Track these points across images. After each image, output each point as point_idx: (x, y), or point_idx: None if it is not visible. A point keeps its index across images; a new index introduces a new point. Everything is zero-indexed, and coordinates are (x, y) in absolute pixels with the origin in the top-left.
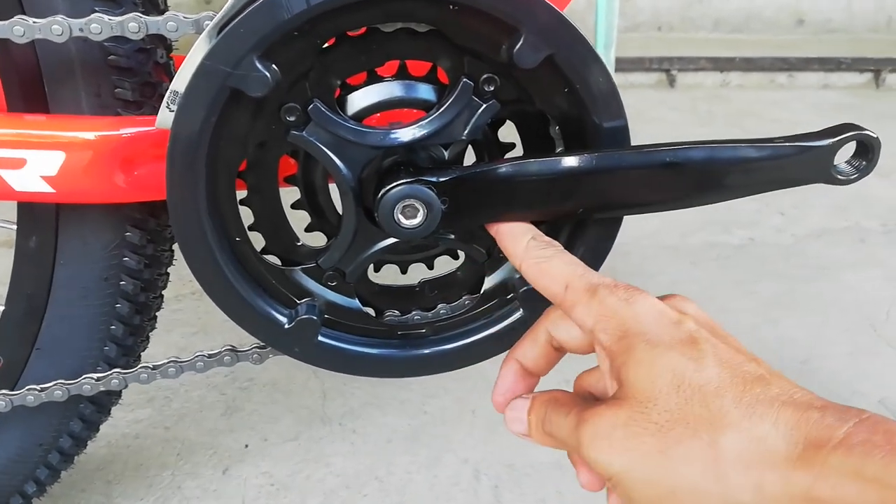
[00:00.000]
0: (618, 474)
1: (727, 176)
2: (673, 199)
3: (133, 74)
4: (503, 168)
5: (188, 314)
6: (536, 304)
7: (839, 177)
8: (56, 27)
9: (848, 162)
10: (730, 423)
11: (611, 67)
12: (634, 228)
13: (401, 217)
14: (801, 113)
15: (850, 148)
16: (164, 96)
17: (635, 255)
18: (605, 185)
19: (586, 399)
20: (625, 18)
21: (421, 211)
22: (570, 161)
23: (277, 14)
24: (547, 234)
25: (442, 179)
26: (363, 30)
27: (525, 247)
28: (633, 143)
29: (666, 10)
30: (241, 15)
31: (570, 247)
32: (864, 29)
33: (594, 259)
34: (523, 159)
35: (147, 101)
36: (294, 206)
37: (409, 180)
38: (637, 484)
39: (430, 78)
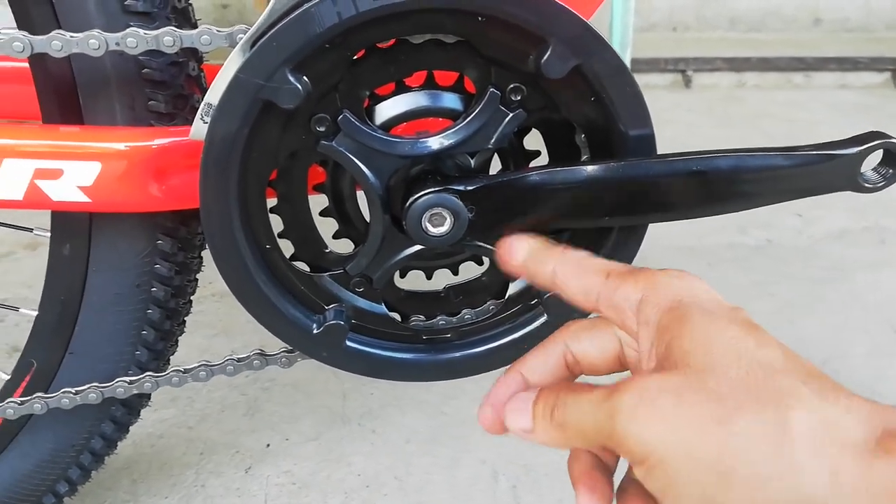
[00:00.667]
0: (661, 450)
1: (754, 184)
2: (698, 208)
3: (166, 87)
4: (529, 176)
5: (209, 316)
6: (561, 309)
7: (866, 185)
8: (93, 41)
9: (875, 170)
10: (799, 401)
11: None
12: (651, 229)
13: (428, 225)
14: (819, 113)
15: (877, 156)
16: (195, 107)
17: (652, 257)
18: (631, 193)
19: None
20: (640, 18)
21: (448, 219)
22: (596, 170)
23: (310, 28)
24: (569, 241)
25: (469, 188)
26: (392, 41)
27: (555, 257)
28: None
29: (681, 9)
30: (274, 29)
31: (593, 253)
32: (882, 27)
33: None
34: (549, 168)
35: (179, 113)
36: (322, 213)
37: (436, 189)
38: (684, 463)
39: (457, 88)
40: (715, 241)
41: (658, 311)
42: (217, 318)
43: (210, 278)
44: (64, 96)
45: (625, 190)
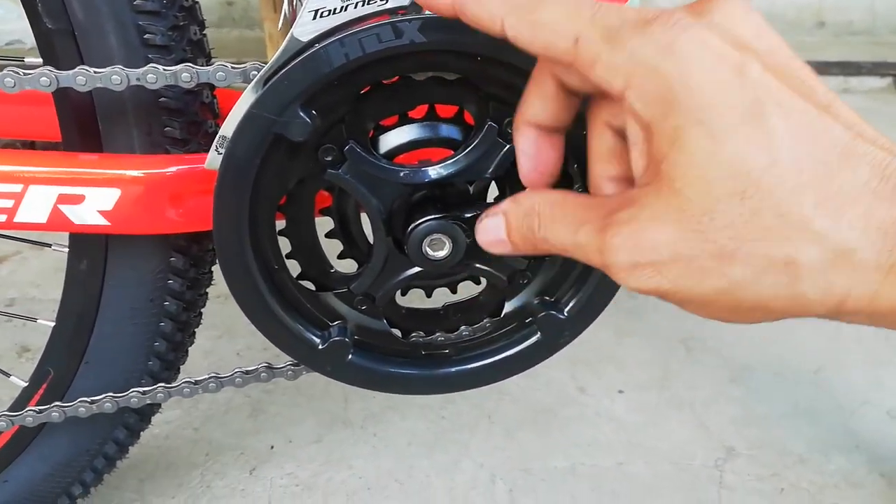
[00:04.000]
0: (666, 295)
1: None
2: None
3: (181, 115)
4: None
5: (213, 318)
6: (555, 327)
7: None
8: (115, 77)
9: None
10: (808, 234)
11: None
12: None
13: (428, 249)
14: None
15: None
16: (208, 132)
17: None
18: None
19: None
20: None
21: (447, 244)
22: None
23: (319, 68)
24: (562, 266)
25: (468, 215)
26: (396, 78)
27: (501, 2)
28: None
29: None
30: (286, 68)
31: (584, 275)
32: (887, 31)
33: (608, 287)
34: None
35: (193, 138)
36: (328, 235)
37: (436, 216)
38: (688, 301)
39: (457, 119)
40: None
41: (648, 111)
42: (221, 320)
43: (213, 280)
44: (85, 124)
45: None
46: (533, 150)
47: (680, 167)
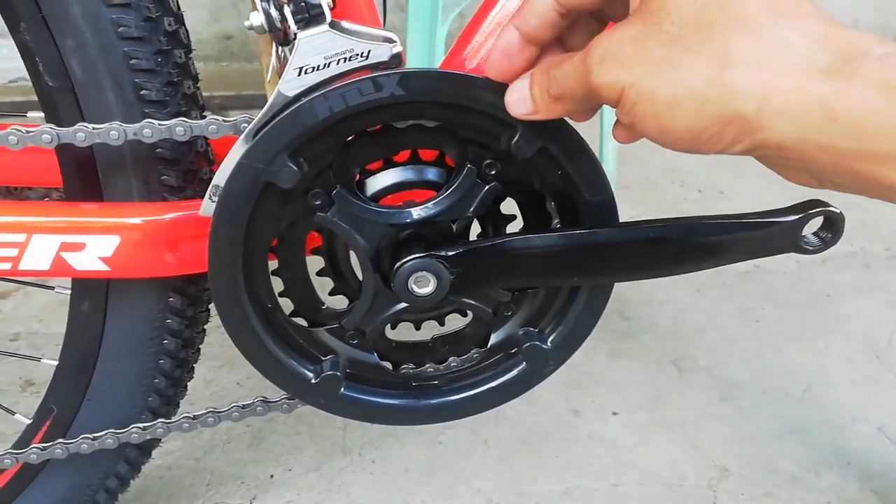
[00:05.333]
0: (625, 91)
1: (703, 249)
2: (654, 270)
3: (177, 164)
4: (505, 243)
5: (214, 348)
6: (539, 357)
7: (807, 247)
8: (113, 133)
9: (815, 234)
10: (747, 27)
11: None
12: None
13: (414, 286)
14: None
15: (818, 221)
16: (203, 179)
17: (643, 285)
18: (596, 257)
19: None
20: None
21: (432, 281)
22: (564, 237)
23: (305, 120)
24: (545, 298)
25: (450, 253)
26: (379, 126)
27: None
28: (643, 182)
29: None
30: (274, 121)
31: (566, 307)
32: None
33: (589, 318)
34: (521, 235)
35: (189, 185)
36: (319, 273)
37: (421, 255)
38: (641, 98)
39: (438, 162)
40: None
41: None
42: (221, 350)
43: (213, 311)
44: (85, 174)
45: (591, 255)
46: (509, 49)
47: None
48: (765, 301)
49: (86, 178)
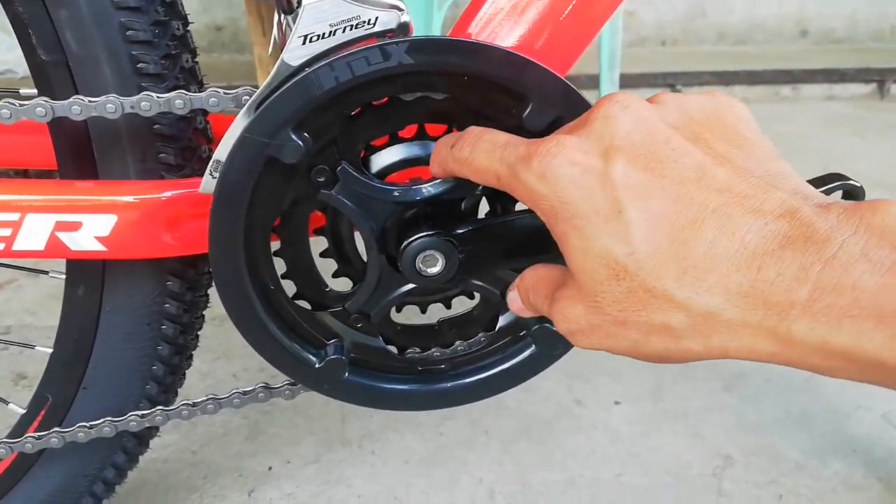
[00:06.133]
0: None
1: None
2: None
3: (175, 140)
4: (513, 221)
5: (210, 340)
6: (549, 339)
7: None
8: (110, 106)
9: None
10: (677, 306)
11: (615, 87)
12: None
13: (422, 266)
14: (806, 125)
15: (837, 196)
16: (202, 157)
17: None
18: None
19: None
20: (629, 33)
21: (440, 260)
22: None
23: (310, 91)
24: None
25: (459, 232)
26: (386, 99)
27: (444, 156)
28: None
29: (670, 24)
30: (278, 92)
31: None
32: (868, 38)
33: None
34: (531, 213)
35: (187, 164)
36: (322, 254)
37: (428, 233)
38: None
39: None
40: None
41: (550, 225)
42: (217, 343)
43: (209, 303)
44: (80, 152)
45: None
46: None
47: (571, 262)
48: None
49: (80, 157)
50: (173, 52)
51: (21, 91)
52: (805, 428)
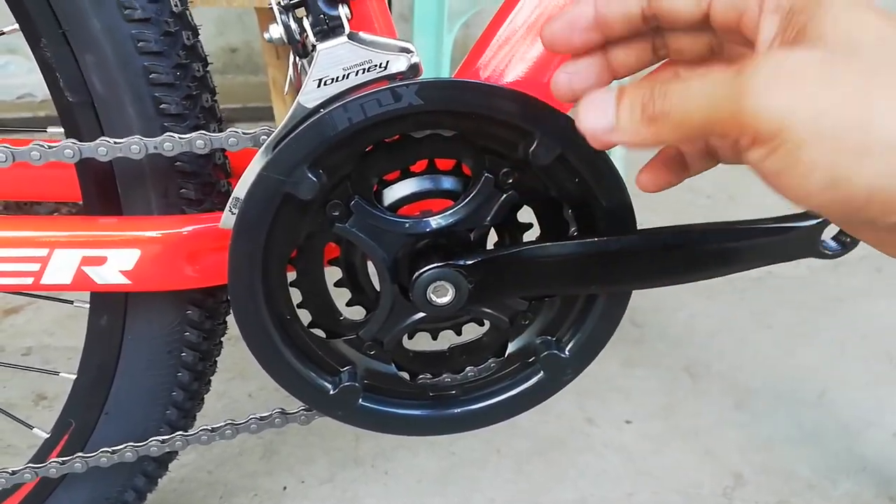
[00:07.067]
0: (797, 126)
1: (721, 256)
2: (672, 277)
3: (196, 176)
4: (522, 251)
5: (225, 360)
6: (556, 366)
7: (827, 252)
8: (134, 147)
9: (835, 238)
10: None
11: None
12: None
13: (433, 296)
14: None
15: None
16: (221, 192)
17: (654, 292)
18: (613, 266)
19: None
20: None
21: (450, 290)
22: (582, 246)
23: (325, 131)
24: (562, 307)
25: (468, 263)
26: (397, 136)
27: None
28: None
29: None
30: (294, 133)
31: (584, 315)
32: None
33: (607, 326)
34: (539, 244)
35: (207, 198)
36: (337, 284)
37: (439, 265)
38: (819, 138)
39: (455, 171)
40: None
41: None
42: (233, 362)
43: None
44: (105, 188)
45: (609, 262)
46: (576, 21)
47: (826, 20)
48: (777, 306)
49: (106, 192)
50: (194, 92)
51: (48, 129)
52: (816, 446)
